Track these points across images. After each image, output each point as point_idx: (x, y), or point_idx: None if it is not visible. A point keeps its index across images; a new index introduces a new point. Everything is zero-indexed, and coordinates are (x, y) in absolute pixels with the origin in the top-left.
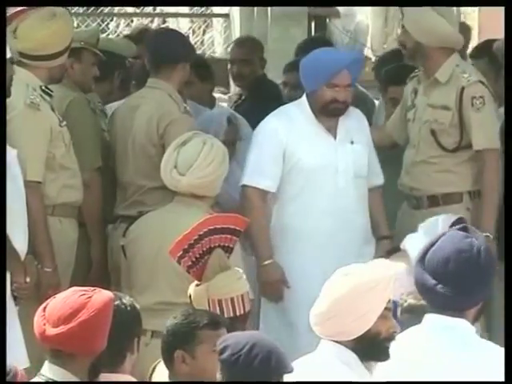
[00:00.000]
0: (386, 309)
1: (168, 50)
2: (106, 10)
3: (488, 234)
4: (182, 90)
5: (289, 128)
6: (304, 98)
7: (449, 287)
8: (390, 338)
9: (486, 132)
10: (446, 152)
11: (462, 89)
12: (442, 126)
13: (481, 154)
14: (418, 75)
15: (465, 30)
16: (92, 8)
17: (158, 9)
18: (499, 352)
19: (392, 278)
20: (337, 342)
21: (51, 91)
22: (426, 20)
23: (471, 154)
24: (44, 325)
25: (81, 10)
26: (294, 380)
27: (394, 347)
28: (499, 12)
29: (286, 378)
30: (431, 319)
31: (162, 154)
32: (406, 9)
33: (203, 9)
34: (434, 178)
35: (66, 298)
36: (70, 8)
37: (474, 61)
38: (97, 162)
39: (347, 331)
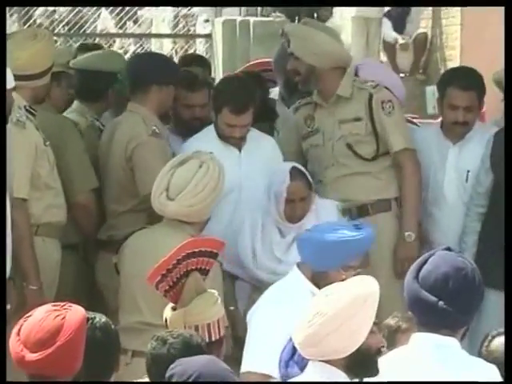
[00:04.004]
0: (373, 324)
1: (139, 74)
2: (89, 30)
3: (410, 233)
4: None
5: (291, 312)
6: (299, 272)
7: (450, 304)
8: (379, 352)
9: (401, 133)
10: (366, 161)
11: (370, 96)
12: (357, 136)
13: (398, 156)
14: (312, 102)
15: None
16: (74, 28)
17: (140, 30)
18: (493, 371)
19: (377, 293)
20: (326, 362)
21: (35, 111)
22: (315, 42)
23: (391, 159)
24: (21, 350)
25: (62, 30)
26: None
27: (385, 368)
28: (481, 32)
29: None
30: (423, 338)
31: (131, 178)
32: (293, 36)
33: (185, 30)
34: (360, 187)
35: (41, 321)
36: (51, 28)
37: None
38: (93, 183)
39: (341, 349)
